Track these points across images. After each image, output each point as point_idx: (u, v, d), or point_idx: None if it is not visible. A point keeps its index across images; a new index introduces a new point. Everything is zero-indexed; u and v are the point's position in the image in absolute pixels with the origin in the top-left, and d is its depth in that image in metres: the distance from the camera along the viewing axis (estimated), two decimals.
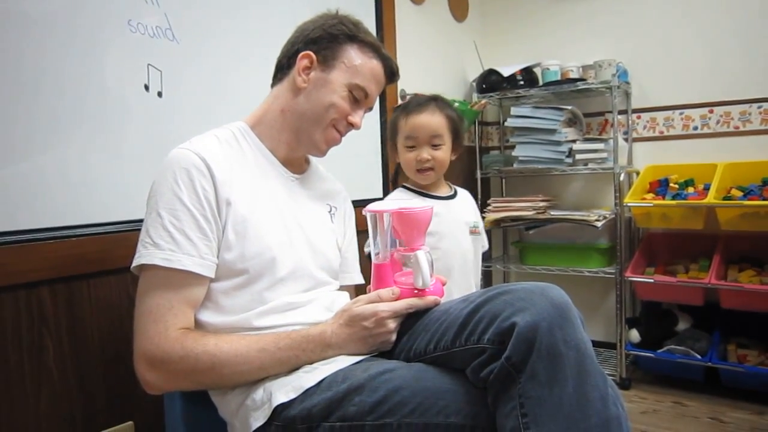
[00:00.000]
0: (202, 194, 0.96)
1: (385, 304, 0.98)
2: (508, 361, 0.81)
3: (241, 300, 1.01)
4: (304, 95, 1.10)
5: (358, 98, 1.12)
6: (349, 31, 1.10)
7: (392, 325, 0.98)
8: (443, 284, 1.08)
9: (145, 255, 0.94)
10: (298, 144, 1.13)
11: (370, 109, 1.18)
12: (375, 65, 1.13)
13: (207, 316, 1.00)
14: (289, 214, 1.09)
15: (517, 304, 0.84)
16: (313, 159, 1.24)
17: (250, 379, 0.96)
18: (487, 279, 2.85)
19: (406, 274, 1.05)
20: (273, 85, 1.16)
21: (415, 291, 1.01)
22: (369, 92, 1.13)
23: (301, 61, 1.09)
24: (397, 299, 0.99)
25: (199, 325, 0.99)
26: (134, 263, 0.96)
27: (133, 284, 0.97)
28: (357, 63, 1.10)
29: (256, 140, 1.11)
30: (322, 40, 1.09)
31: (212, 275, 0.98)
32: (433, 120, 1.49)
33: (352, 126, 1.13)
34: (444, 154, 1.52)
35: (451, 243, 1.54)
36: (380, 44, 1.15)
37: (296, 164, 1.18)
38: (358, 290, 1.27)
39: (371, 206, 1.05)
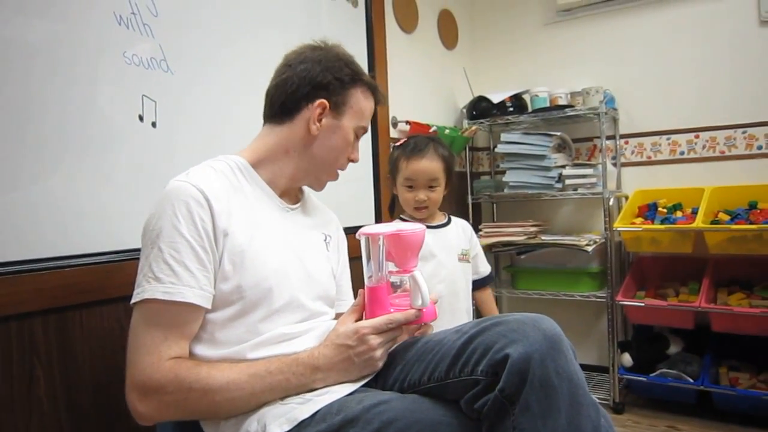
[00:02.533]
0: (201, 225, 0.97)
1: (365, 321, 1.00)
2: (501, 392, 0.82)
3: (236, 332, 1.01)
4: (317, 142, 1.13)
5: (358, 136, 1.19)
6: (353, 73, 1.14)
7: (374, 341, 0.98)
8: (434, 303, 1.08)
9: (148, 289, 0.94)
10: (301, 181, 1.19)
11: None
12: (372, 104, 1.19)
13: (201, 350, 1.00)
14: (285, 245, 1.10)
15: (510, 336, 0.85)
16: (306, 188, 1.26)
17: (242, 406, 0.96)
18: None
19: (401, 296, 1.05)
20: (270, 122, 1.16)
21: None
22: (367, 129, 1.20)
23: (316, 110, 1.11)
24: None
25: (193, 358, 0.99)
26: (136, 298, 0.96)
27: (126, 314, 0.97)
28: (362, 106, 1.16)
29: (255, 175, 1.12)
30: (333, 86, 1.12)
31: (210, 306, 0.98)
32: (431, 165, 1.64)
33: (353, 162, 1.20)
34: (438, 194, 1.68)
35: (435, 267, 1.66)
36: (372, 80, 1.20)
37: (292, 195, 1.20)
38: None
39: (364, 229, 1.05)
